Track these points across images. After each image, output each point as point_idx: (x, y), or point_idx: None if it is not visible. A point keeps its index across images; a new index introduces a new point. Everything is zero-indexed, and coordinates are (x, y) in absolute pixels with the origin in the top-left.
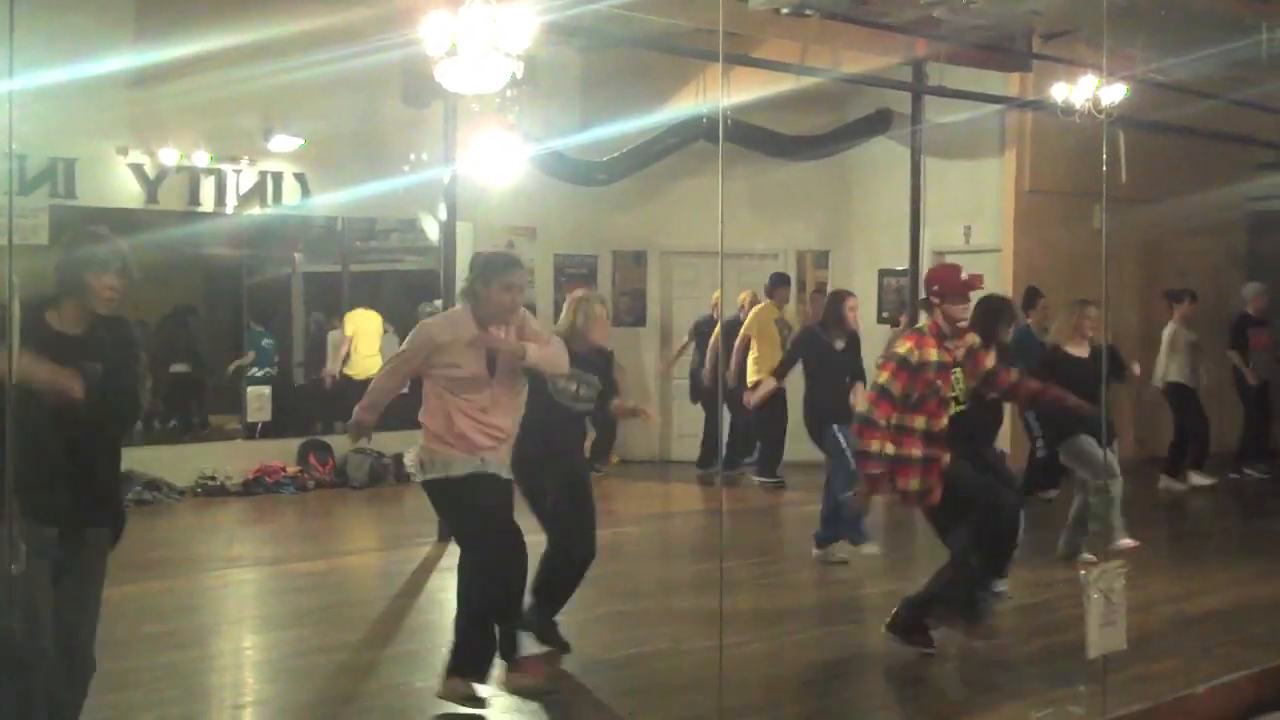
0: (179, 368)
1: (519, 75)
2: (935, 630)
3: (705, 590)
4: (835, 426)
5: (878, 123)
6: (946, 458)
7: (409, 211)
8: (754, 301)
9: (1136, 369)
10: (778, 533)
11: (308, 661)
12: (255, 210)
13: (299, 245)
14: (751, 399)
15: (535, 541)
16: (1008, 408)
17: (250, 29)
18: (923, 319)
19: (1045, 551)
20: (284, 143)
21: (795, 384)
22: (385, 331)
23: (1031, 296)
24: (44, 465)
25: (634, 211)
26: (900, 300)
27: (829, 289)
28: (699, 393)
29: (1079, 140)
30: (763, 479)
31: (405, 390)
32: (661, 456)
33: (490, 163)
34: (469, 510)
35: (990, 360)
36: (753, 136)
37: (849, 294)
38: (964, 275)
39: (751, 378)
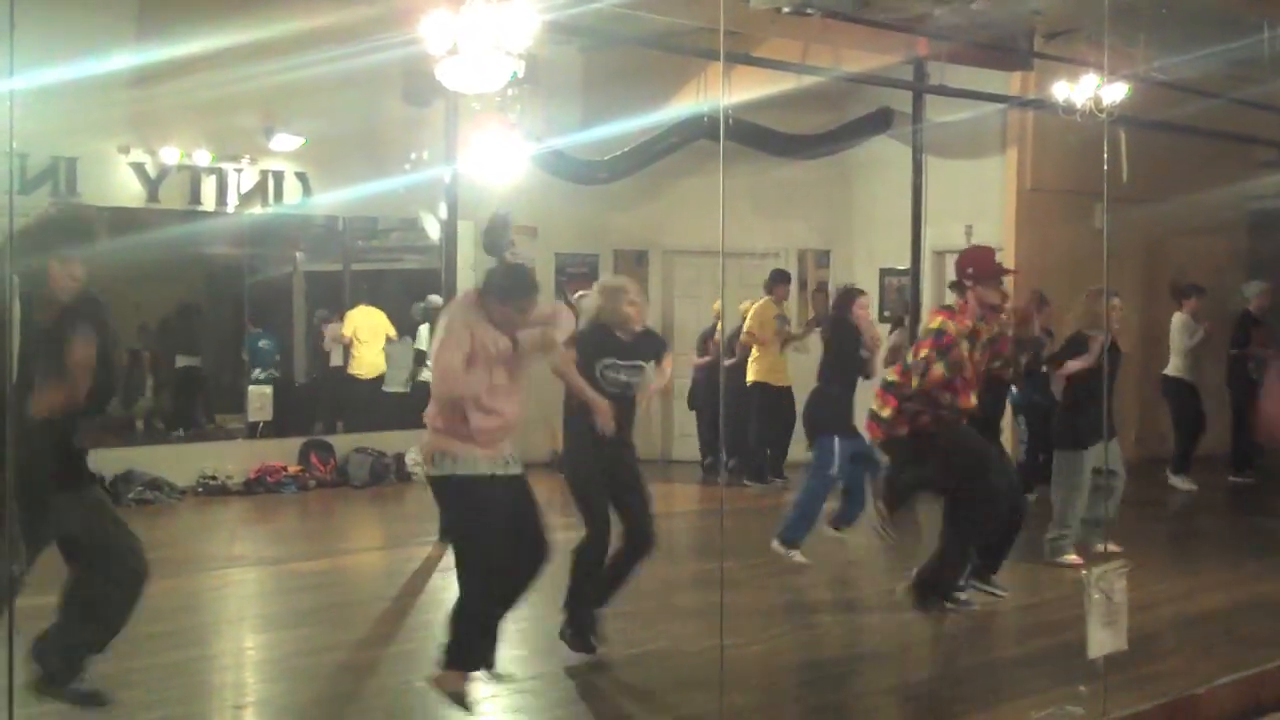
0: (186, 361)
1: (520, 74)
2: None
3: (705, 589)
4: (837, 439)
5: (879, 122)
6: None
7: (410, 210)
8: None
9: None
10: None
11: (309, 661)
12: (256, 209)
13: (300, 244)
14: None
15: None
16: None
17: (251, 28)
18: (951, 299)
19: (1041, 551)
20: (285, 141)
21: (801, 386)
22: (394, 340)
23: (1038, 302)
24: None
25: (635, 211)
26: (902, 299)
27: (830, 288)
28: (696, 399)
29: (1080, 139)
30: (758, 482)
31: (406, 390)
32: (663, 456)
33: (491, 161)
34: (481, 510)
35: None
36: (754, 135)
37: (860, 292)
38: (998, 259)
39: (751, 377)
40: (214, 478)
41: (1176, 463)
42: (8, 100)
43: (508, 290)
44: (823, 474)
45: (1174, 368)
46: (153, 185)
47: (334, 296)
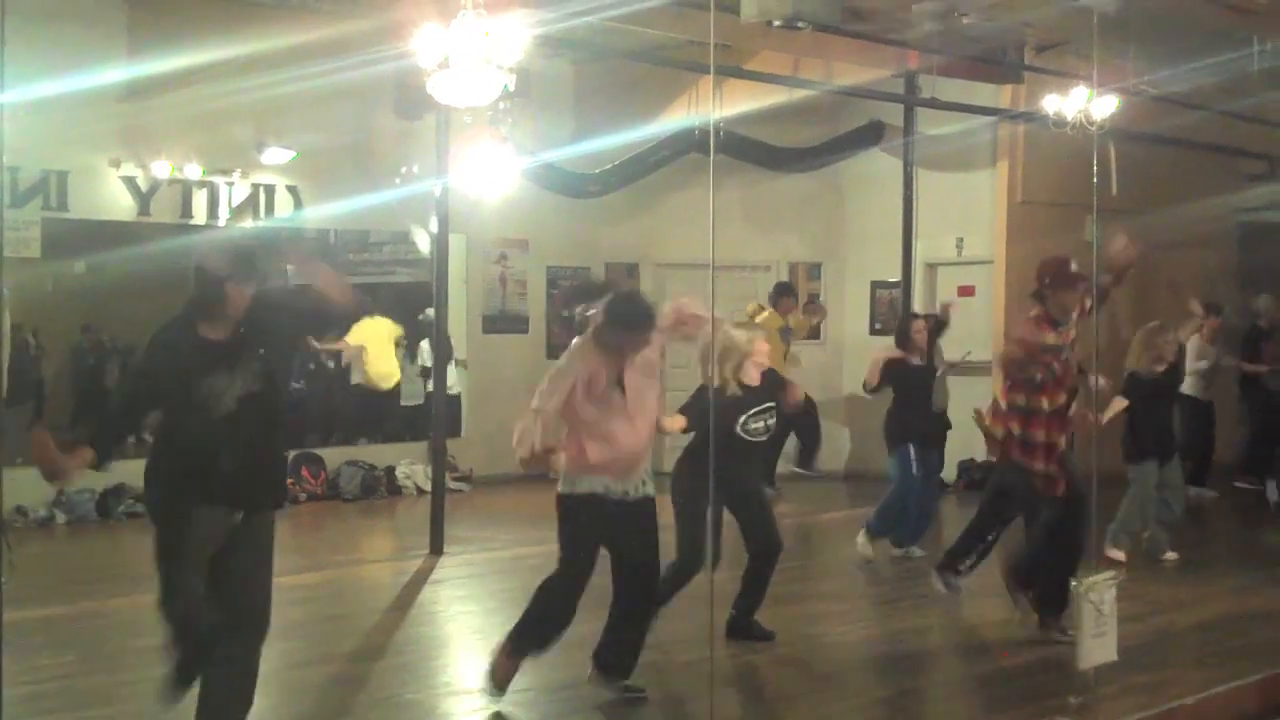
0: None
1: (511, 88)
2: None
3: (697, 600)
4: (910, 446)
5: (870, 135)
6: (1063, 441)
7: (402, 224)
8: (759, 312)
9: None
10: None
11: (299, 674)
12: (248, 223)
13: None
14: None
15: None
16: None
17: (243, 42)
18: (1034, 310)
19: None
20: (276, 155)
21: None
22: (401, 345)
23: None
24: (214, 453)
25: (626, 223)
26: (894, 312)
27: (822, 300)
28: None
29: (1070, 152)
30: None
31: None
32: (656, 468)
33: (483, 175)
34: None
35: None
36: (745, 148)
37: (915, 315)
38: (1073, 267)
39: None
40: None
41: (1193, 477)
42: None
43: (631, 324)
44: (905, 479)
45: (1188, 386)
46: (144, 199)
47: None
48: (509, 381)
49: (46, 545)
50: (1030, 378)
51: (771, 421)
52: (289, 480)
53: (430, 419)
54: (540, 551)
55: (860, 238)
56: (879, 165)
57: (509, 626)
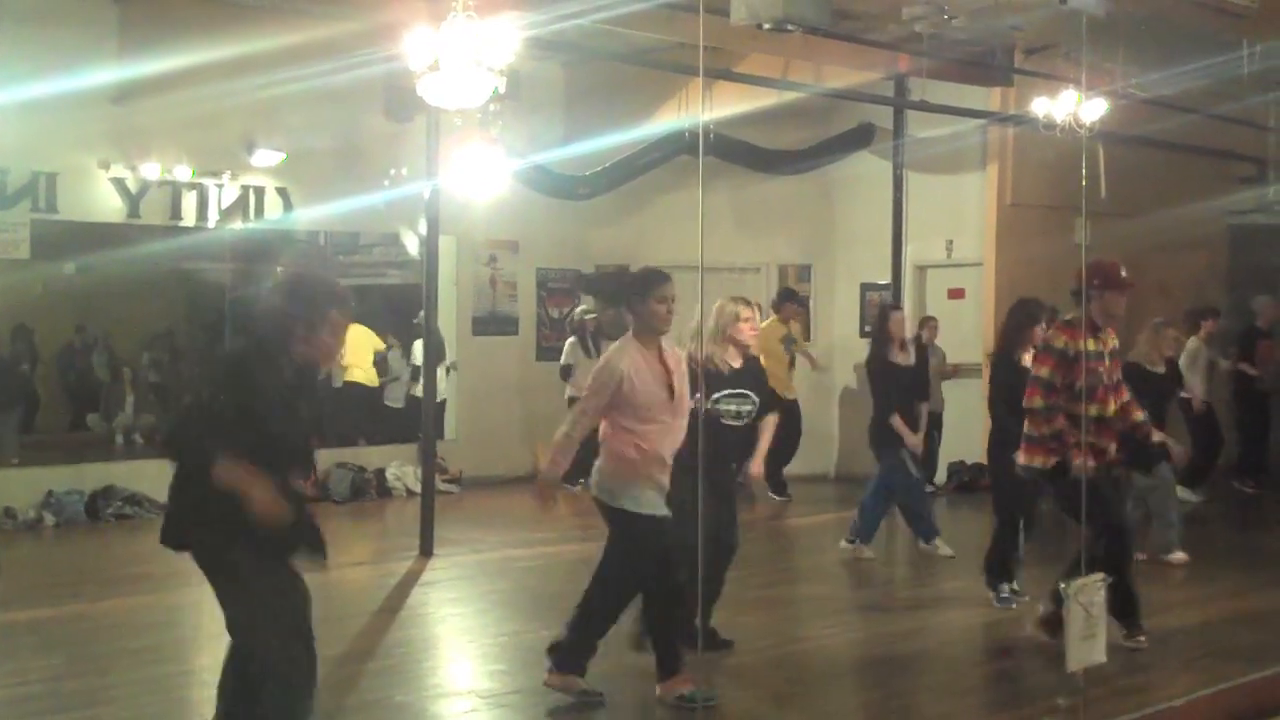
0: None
1: (501, 90)
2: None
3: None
4: (905, 450)
5: (860, 137)
6: (1113, 448)
7: (391, 226)
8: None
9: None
10: (762, 546)
11: None
12: (237, 225)
13: (282, 259)
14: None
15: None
16: None
17: (233, 44)
18: (1072, 313)
19: (1028, 564)
20: (266, 157)
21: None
22: (389, 348)
23: (1053, 316)
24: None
25: (616, 226)
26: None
27: (812, 303)
28: None
29: (1060, 155)
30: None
31: (401, 405)
32: None
33: (473, 177)
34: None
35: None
36: (735, 151)
37: (895, 307)
38: (1124, 272)
39: None
40: None
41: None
42: None
43: (645, 282)
44: (894, 478)
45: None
46: (133, 201)
47: None
48: (499, 383)
49: (35, 547)
50: (1070, 384)
51: (747, 409)
52: None
53: (420, 421)
54: (529, 553)
55: (850, 240)
56: (869, 167)
57: (499, 628)
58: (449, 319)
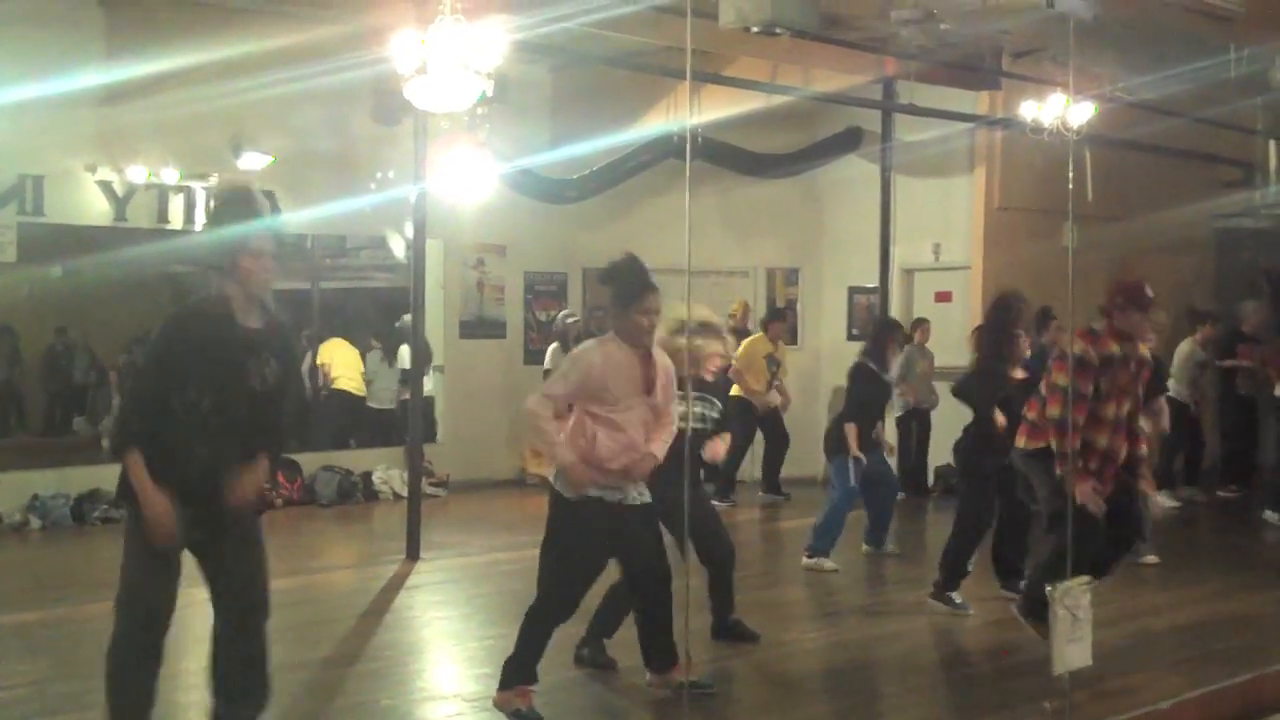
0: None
1: (489, 93)
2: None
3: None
4: (850, 458)
5: (848, 141)
6: (1124, 452)
7: (378, 229)
8: (746, 310)
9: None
10: (747, 550)
11: (275, 680)
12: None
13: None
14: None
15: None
16: None
17: (220, 46)
18: (1098, 323)
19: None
20: (253, 160)
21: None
22: (373, 349)
23: (1044, 317)
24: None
25: (604, 229)
26: (871, 318)
27: (799, 306)
28: None
29: (1047, 158)
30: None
31: (394, 407)
32: None
33: (460, 180)
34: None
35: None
36: (723, 154)
37: (894, 326)
38: (1148, 291)
39: (734, 391)
40: None
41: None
42: None
43: (628, 293)
44: (841, 486)
45: (1173, 390)
46: (120, 204)
47: (303, 315)
48: (486, 387)
49: (21, 551)
50: (1096, 388)
51: (712, 415)
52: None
53: (406, 424)
54: (516, 557)
55: (838, 243)
56: (857, 171)
57: (485, 632)
58: (436, 322)
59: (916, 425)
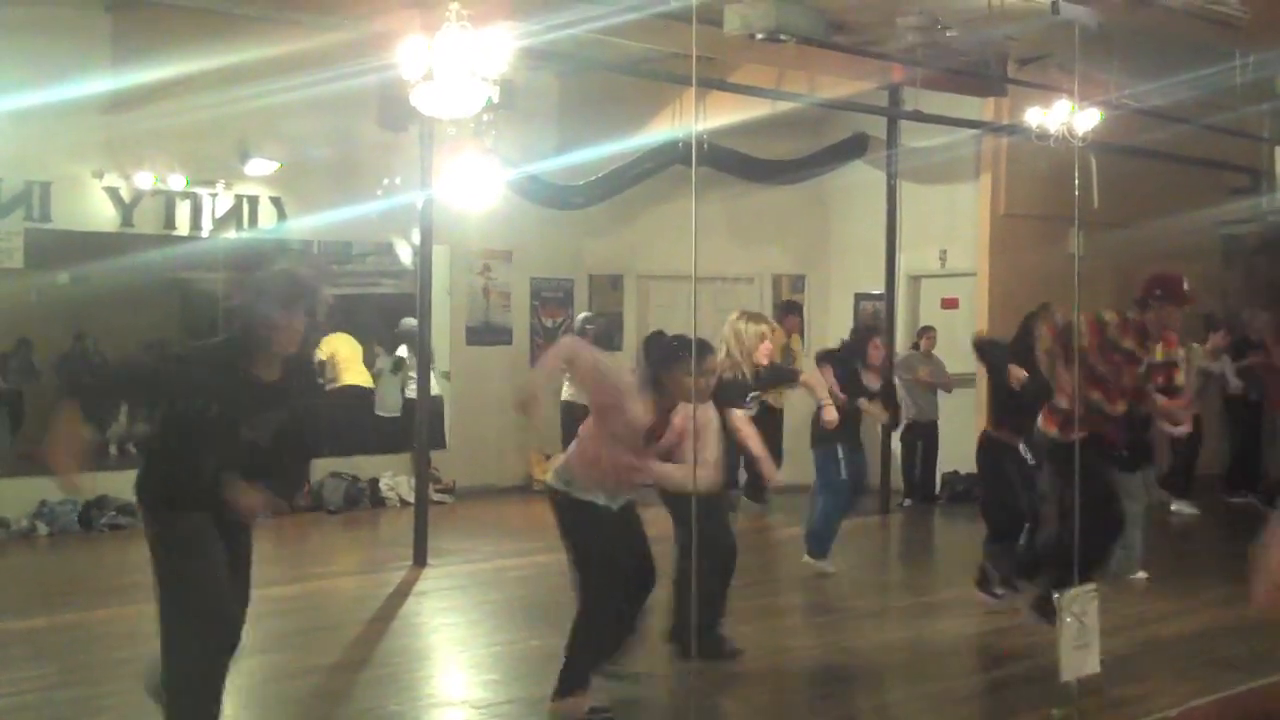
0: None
1: (495, 99)
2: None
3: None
4: (839, 448)
5: (853, 147)
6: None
7: (385, 235)
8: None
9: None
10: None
11: (282, 686)
12: (231, 234)
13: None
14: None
15: None
16: None
17: (226, 53)
18: (1110, 314)
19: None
20: (260, 166)
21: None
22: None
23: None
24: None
25: (610, 235)
26: (878, 323)
27: (805, 313)
28: None
29: (1053, 165)
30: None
31: (397, 414)
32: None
33: (466, 187)
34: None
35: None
36: (729, 161)
37: (873, 331)
38: (1186, 286)
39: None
40: None
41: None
42: None
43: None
44: (828, 481)
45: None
46: (127, 210)
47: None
48: (492, 393)
49: (28, 557)
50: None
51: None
52: None
53: (413, 431)
54: (523, 563)
55: (844, 250)
56: (862, 178)
57: (492, 638)
58: (442, 329)
59: (923, 441)
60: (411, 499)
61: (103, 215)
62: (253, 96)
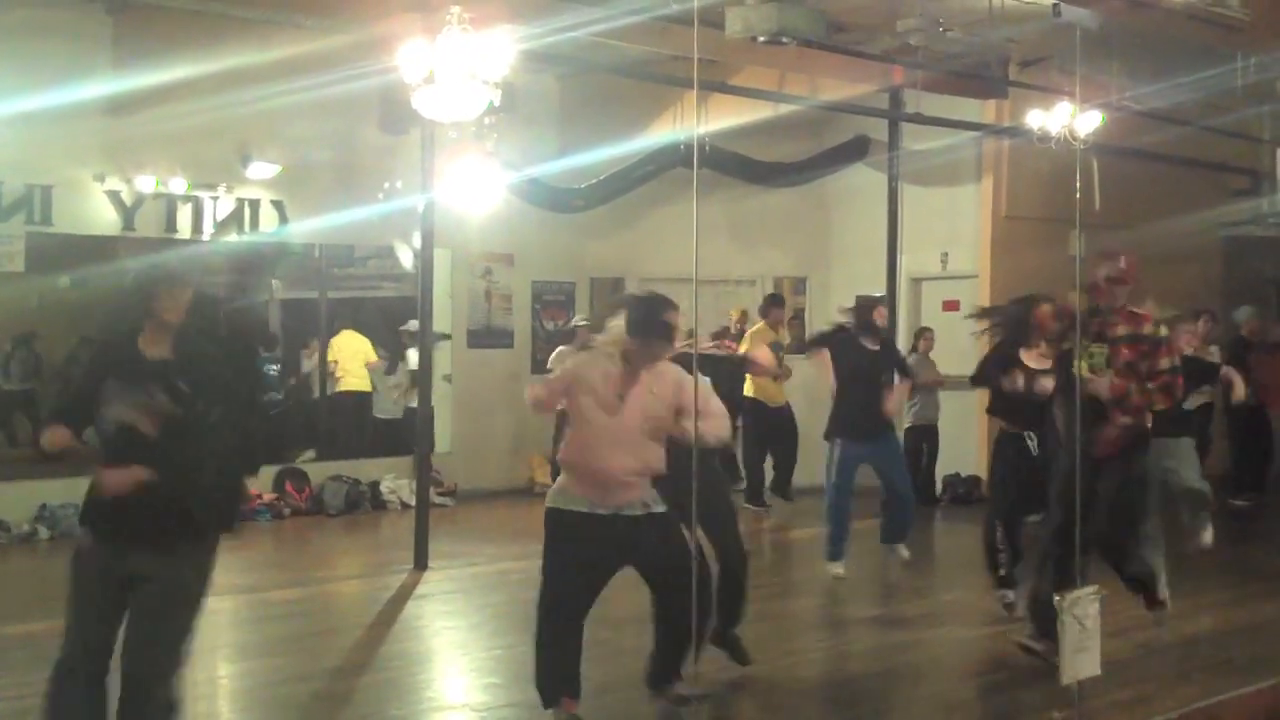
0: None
1: (496, 103)
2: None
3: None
4: (839, 441)
5: (855, 150)
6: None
7: (386, 239)
8: (745, 318)
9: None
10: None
11: (283, 690)
12: (232, 237)
13: (277, 272)
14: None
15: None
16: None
17: (227, 56)
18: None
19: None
20: (261, 170)
21: (796, 402)
22: (379, 356)
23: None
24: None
25: (611, 238)
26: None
27: (807, 315)
28: None
29: (1054, 167)
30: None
31: (398, 416)
32: None
33: (468, 190)
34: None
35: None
36: (730, 163)
37: (876, 300)
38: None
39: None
40: None
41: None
42: None
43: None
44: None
45: None
46: (128, 213)
47: (311, 324)
48: (494, 396)
49: (29, 560)
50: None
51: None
52: (274, 495)
53: (414, 434)
54: (524, 566)
55: (845, 252)
56: (864, 180)
57: (493, 642)
58: (444, 332)
59: (926, 444)
60: (412, 502)
61: (104, 219)
62: (254, 100)
